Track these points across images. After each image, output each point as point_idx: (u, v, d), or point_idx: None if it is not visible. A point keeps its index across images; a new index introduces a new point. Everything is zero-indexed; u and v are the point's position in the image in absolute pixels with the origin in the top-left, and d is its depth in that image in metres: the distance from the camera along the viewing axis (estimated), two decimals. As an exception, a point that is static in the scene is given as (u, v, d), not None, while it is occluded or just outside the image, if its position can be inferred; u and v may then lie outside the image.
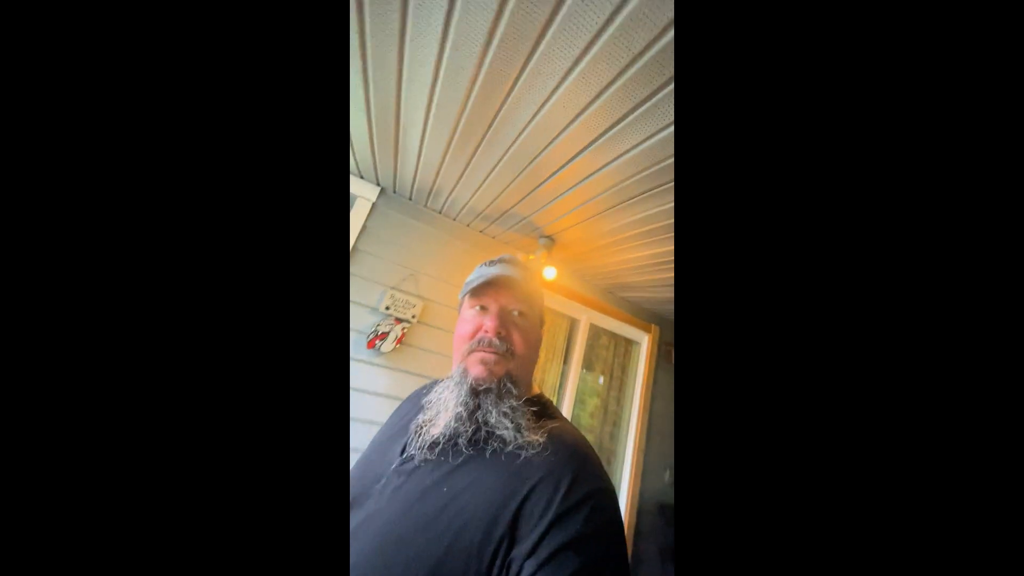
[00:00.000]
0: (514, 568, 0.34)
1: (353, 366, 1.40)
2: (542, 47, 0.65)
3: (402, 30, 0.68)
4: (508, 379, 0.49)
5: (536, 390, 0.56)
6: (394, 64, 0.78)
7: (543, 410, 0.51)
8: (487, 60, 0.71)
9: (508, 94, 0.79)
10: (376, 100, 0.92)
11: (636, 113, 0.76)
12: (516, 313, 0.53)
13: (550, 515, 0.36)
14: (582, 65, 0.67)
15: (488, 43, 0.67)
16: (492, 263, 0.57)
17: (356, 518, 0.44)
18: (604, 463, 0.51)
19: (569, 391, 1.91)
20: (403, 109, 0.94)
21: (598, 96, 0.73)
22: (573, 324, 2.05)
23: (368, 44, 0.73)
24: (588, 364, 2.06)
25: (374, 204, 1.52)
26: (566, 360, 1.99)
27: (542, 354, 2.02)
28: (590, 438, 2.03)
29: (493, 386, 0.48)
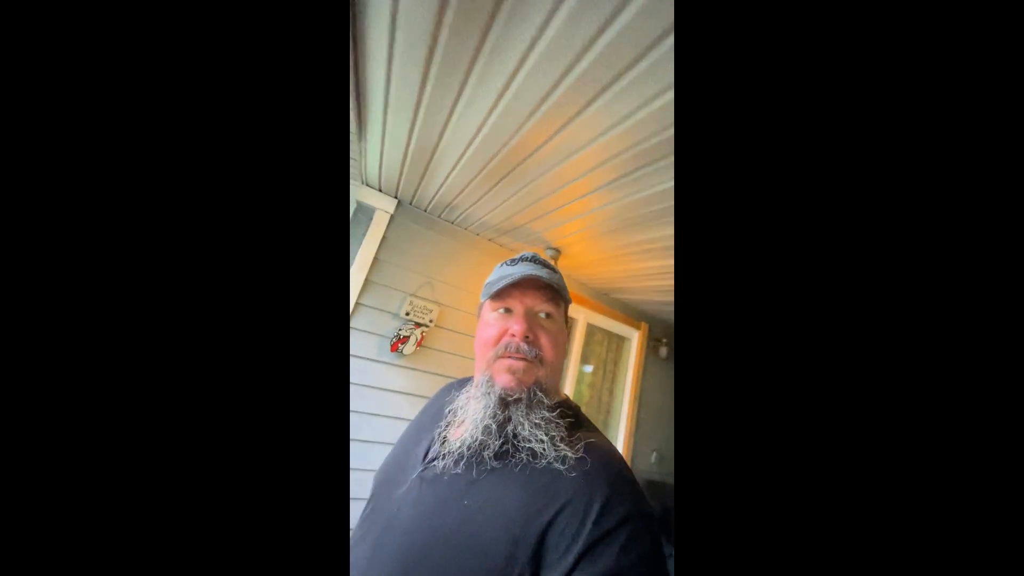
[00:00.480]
0: None
1: (378, 367, 1.51)
2: (595, 105, 0.79)
3: (464, 80, 0.80)
4: (538, 387, 0.46)
5: (562, 395, 0.52)
6: (449, 105, 0.89)
7: (576, 420, 0.48)
8: (542, 109, 0.83)
9: (551, 139, 0.92)
10: (420, 130, 1.02)
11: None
12: (543, 315, 0.49)
13: (580, 544, 0.33)
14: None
15: (547, 96, 0.79)
16: (514, 262, 0.53)
17: (379, 523, 0.44)
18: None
19: (568, 386, 2.09)
20: (444, 141, 1.05)
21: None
22: (571, 323, 2.22)
23: (428, 87, 0.84)
24: (584, 360, 2.25)
25: (392, 216, 1.61)
26: (565, 356, 2.17)
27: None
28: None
29: (523, 396, 0.45)
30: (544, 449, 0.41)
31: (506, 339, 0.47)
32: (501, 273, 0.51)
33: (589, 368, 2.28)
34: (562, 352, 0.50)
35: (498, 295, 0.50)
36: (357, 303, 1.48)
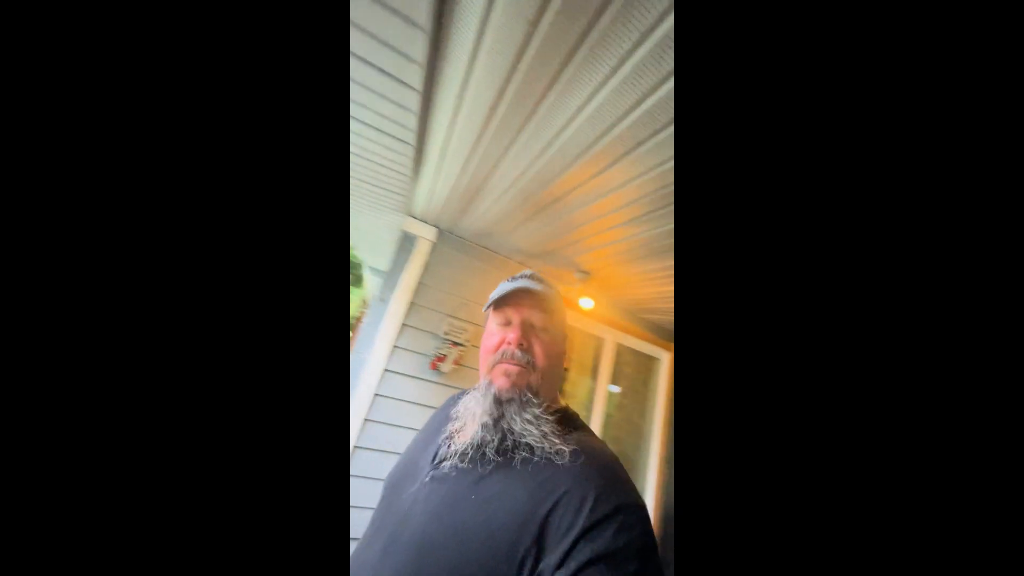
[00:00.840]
0: None
1: (419, 384, 1.62)
2: (631, 156, 0.88)
3: (516, 135, 0.91)
4: (529, 390, 0.51)
5: (562, 403, 0.56)
6: (499, 153, 1.00)
7: (569, 421, 0.52)
8: (583, 158, 0.92)
9: (588, 180, 1.02)
10: (471, 174, 1.15)
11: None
12: (538, 326, 0.55)
13: (577, 528, 0.36)
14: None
15: (589, 148, 0.89)
16: (514, 279, 0.58)
17: (391, 522, 0.46)
18: (629, 471, 0.52)
19: (599, 406, 2.11)
20: (490, 182, 1.17)
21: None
22: (600, 344, 2.26)
23: (484, 140, 0.96)
24: (614, 380, 2.27)
25: (434, 244, 1.75)
26: (594, 377, 2.20)
27: (572, 371, 2.23)
28: (615, 448, 2.23)
29: (516, 396, 0.50)
30: (537, 442, 0.45)
31: (504, 347, 0.53)
32: (502, 288, 0.56)
33: (616, 388, 2.30)
34: (557, 360, 0.55)
35: (498, 306, 0.56)
36: (403, 324, 1.61)
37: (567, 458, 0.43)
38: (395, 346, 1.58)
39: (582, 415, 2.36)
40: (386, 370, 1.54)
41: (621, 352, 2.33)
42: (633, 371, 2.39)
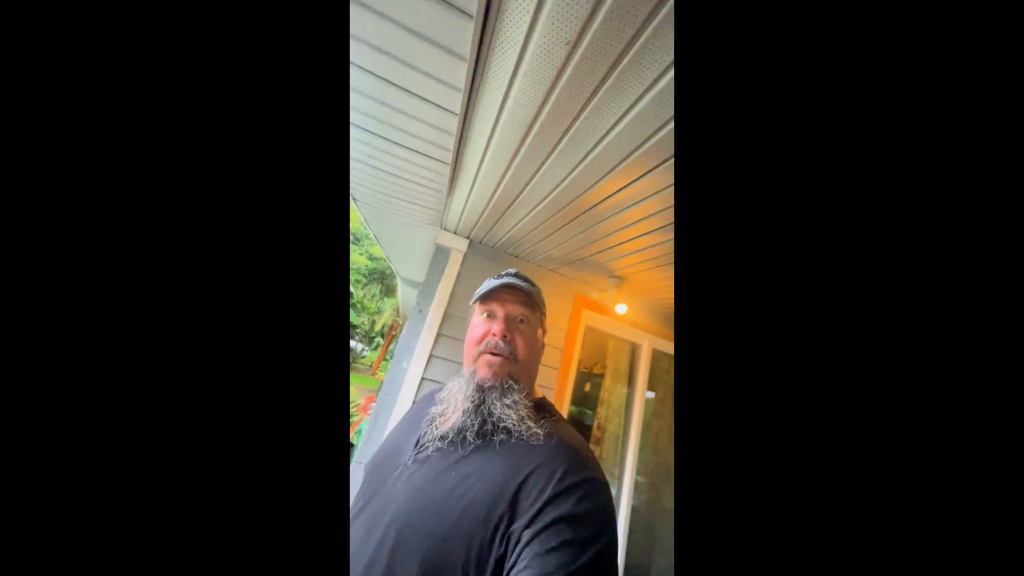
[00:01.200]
0: (514, 538, 0.39)
1: (456, 393, 1.67)
2: (660, 168, 0.88)
3: (549, 153, 0.94)
4: (510, 379, 0.55)
5: (538, 394, 0.61)
6: (533, 170, 1.03)
7: (544, 409, 0.56)
8: (614, 171, 0.93)
9: (619, 191, 1.03)
10: (504, 189, 1.19)
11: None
12: (520, 320, 0.59)
13: (546, 495, 0.40)
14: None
15: (620, 163, 0.91)
16: (500, 276, 0.62)
17: (375, 501, 0.49)
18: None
19: (636, 414, 2.07)
20: (522, 196, 1.21)
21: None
22: (636, 349, 2.22)
23: (517, 159, 0.99)
24: (651, 386, 2.22)
25: (465, 255, 1.81)
26: (631, 384, 2.16)
27: (608, 378, 2.21)
28: (655, 459, 2.17)
29: (497, 384, 0.54)
30: (515, 425, 0.49)
31: (488, 338, 0.57)
32: (487, 284, 0.61)
33: (652, 395, 2.24)
34: (535, 353, 0.60)
35: (483, 300, 0.61)
36: (439, 334, 1.67)
37: (541, 439, 0.48)
38: (431, 355, 1.63)
39: (618, 423, 2.29)
40: (423, 379, 1.60)
41: (657, 358, 2.28)
42: (669, 376, 2.33)
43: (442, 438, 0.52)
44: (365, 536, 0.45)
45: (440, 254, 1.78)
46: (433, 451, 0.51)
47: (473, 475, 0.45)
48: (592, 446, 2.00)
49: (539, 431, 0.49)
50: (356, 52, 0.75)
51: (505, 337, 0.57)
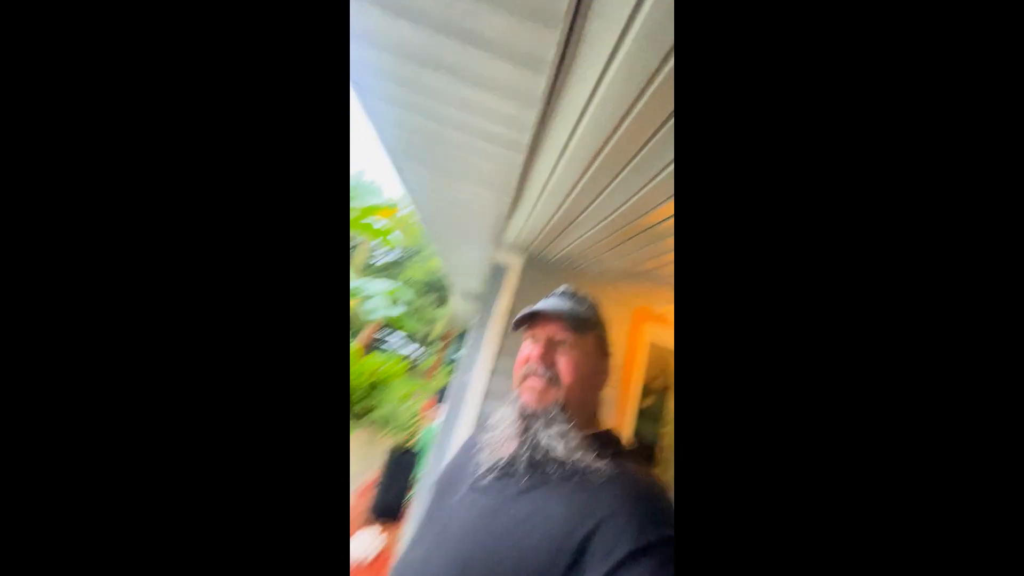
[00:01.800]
0: None
1: (515, 407, 1.70)
2: None
3: (613, 178, 0.94)
4: (556, 406, 0.51)
5: (605, 426, 0.56)
6: (594, 194, 1.04)
7: (608, 443, 0.51)
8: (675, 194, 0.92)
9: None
10: (565, 211, 1.21)
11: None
12: (563, 343, 0.54)
13: (616, 556, 0.36)
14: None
15: None
16: (548, 297, 0.60)
17: (434, 529, 0.49)
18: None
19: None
20: (583, 217, 1.21)
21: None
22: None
23: (580, 184, 1.01)
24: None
25: (523, 270, 1.84)
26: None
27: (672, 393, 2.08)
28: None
29: (540, 412, 0.51)
30: (564, 457, 0.46)
31: (529, 362, 0.55)
32: (534, 305, 0.59)
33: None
34: (586, 377, 0.55)
35: (522, 323, 0.59)
36: (499, 352, 1.71)
37: (604, 479, 0.44)
38: (492, 371, 1.68)
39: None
40: (488, 391, 1.65)
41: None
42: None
43: (495, 468, 0.51)
44: (423, 563, 0.46)
45: (497, 271, 1.84)
46: (489, 482, 0.50)
47: (528, 521, 0.43)
48: (658, 469, 1.90)
49: (600, 466, 0.45)
50: (429, 76, 0.82)
51: (544, 361, 0.54)
